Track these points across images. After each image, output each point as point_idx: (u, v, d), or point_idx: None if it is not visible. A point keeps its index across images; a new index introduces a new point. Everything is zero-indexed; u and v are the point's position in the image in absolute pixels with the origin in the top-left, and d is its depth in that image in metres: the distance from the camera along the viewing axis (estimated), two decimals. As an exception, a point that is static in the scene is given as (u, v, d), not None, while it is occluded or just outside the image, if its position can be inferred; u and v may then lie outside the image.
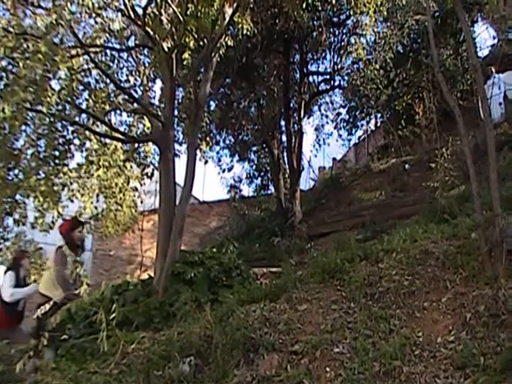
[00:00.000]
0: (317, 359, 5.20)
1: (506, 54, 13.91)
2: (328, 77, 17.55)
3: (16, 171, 9.98)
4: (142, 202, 14.00)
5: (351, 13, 14.89)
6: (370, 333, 5.43)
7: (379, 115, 20.81)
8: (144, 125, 12.83)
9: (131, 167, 12.92)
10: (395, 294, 6.05)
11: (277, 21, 14.66)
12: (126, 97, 12.01)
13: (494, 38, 18.96)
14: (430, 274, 6.23)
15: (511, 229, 5.85)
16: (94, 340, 6.06)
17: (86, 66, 11.55)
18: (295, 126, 16.90)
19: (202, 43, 10.95)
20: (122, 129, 12.46)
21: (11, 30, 8.98)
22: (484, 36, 42.36)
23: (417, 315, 5.66)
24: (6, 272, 8.52)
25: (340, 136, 20.87)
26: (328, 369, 5.04)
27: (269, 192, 20.27)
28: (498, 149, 8.25)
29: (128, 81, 12.61)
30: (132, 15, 10.71)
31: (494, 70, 14.01)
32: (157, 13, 10.63)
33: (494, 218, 5.87)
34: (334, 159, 23.86)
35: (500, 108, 13.81)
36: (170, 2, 10.14)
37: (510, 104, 13.95)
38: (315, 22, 15.42)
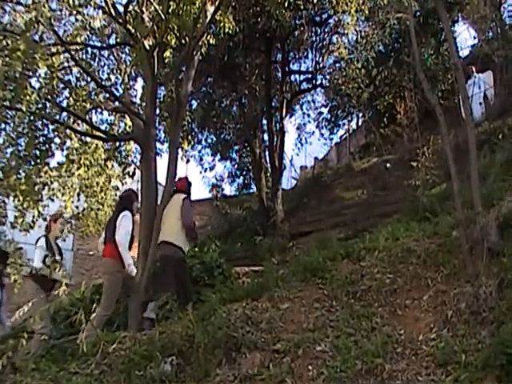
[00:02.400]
0: (299, 358, 5.19)
1: (485, 53, 14.03)
2: (310, 76, 17.57)
3: (-5, 170, 9.90)
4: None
5: (333, 12, 14.95)
6: (352, 331, 5.44)
7: (361, 114, 20.92)
8: (125, 123, 12.76)
9: (112, 166, 12.84)
10: (377, 292, 6.07)
11: (259, 19, 14.65)
12: (107, 95, 11.94)
13: (474, 37, 19.16)
14: (411, 272, 6.26)
15: (492, 227, 5.89)
16: (74, 340, 6.01)
17: (66, 64, 11.46)
18: (277, 125, 16.91)
19: (183, 41, 10.89)
20: (103, 127, 12.38)
21: (-10, 27, 8.88)
22: (465, 36, 42.72)
23: (398, 313, 5.68)
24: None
25: (322, 135, 20.96)
26: (310, 367, 5.04)
27: (251, 191, 20.25)
28: (479, 148, 8.29)
29: (109, 79, 12.54)
30: (113, 13, 10.64)
31: (474, 69, 14.11)
32: (138, 10, 10.57)
33: (474, 216, 5.92)
34: (315, 158, 23.91)
35: (480, 107, 13.91)
36: (152, 0, 10.08)
37: (490, 103, 14.08)
38: (297, 21, 15.44)
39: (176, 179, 8.93)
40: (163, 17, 9.91)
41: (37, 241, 9.00)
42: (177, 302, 7.78)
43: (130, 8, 10.60)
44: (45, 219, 10.89)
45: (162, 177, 10.44)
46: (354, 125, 23.21)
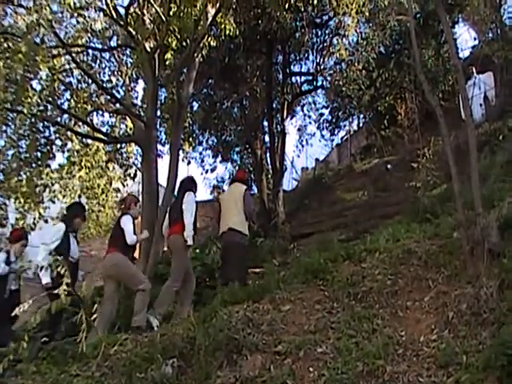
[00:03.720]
0: (300, 359, 5.19)
1: (486, 55, 14.04)
2: (311, 77, 17.58)
3: (-4, 172, 9.93)
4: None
5: (334, 14, 14.95)
6: (353, 332, 5.43)
7: (362, 116, 20.90)
8: (126, 125, 12.81)
9: (113, 168, 12.89)
10: (378, 293, 6.07)
11: (260, 21, 14.65)
12: (108, 97, 11.99)
13: (474, 39, 19.15)
14: (412, 274, 6.26)
15: (492, 228, 5.89)
16: (75, 342, 6.01)
17: (67, 66, 11.52)
18: (278, 126, 16.92)
19: (184, 43, 10.94)
20: (104, 129, 12.45)
21: (-9, 29, 8.91)
22: (465, 37, 42.75)
23: (400, 314, 5.68)
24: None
25: (323, 136, 20.95)
26: (311, 369, 5.03)
27: (252, 193, 20.23)
28: (479, 149, 8.30)
29: (110, 81, 12.60)
30: (114, 15, 10.68)
31: (474, 70, 14.11)
32: (139, 13, 10.61)
33: (475, 218, 5.92)
34: (316, 160, 23.90)
35: (481, 109, 13.91)
36: (153, 2, 10.12)
37: (490, 104, 14.08)
38: (298, 23, 15.43)
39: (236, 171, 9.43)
40: (164, 19, 9.95)
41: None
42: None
43: (131, 10, 10.65)
44: (46, 221, 10.93)
45: (163, 178, 10.48)
46: (354, 126, 23.22)
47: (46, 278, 7.46)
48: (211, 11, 10.47)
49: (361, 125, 22.61)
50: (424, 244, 6.84)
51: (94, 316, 5.96)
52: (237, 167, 20.00)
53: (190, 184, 8.68)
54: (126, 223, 7.85)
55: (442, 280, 5.97)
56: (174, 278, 7.89)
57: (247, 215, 8.65)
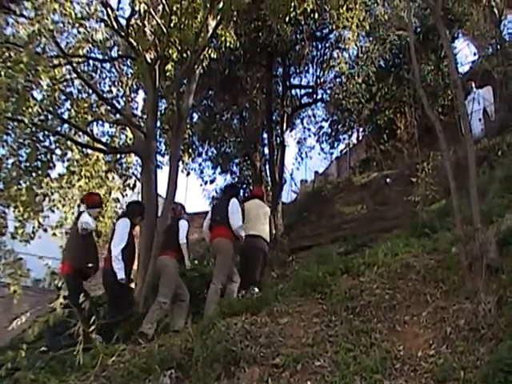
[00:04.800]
0: (298, 372, 5.18)
1: (485, 70, 14.10)
2: (310, 90, 17.66)
3: (-4, 180, 9.94)
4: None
5: (334, 27, 15.03)
6: (351, 346, 5.43)
7: (361, 129, 21.00)
8: (126, 136, 12.83)
9: (113, 178, 12.90)
10: (376, 307, 6.06)
11: (260, 34, 14.73)
12: (109, 107, 12.02)
13: (474, 54, 19.25)
14: (410, 288, 6.25)
15: (491, 243, 5.90)
16: (73, 352, 6.00)
17: (68, 76, 11.56)
18: (277, 138, 16.96)
19: (185, 55, 10.97)
20: (104, 139, 12.47)
21: (-7, 38, 8.94)
22: (465, 52, 42.87)
23: (397, 329, 5.67)
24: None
25: (322, 149, 21.05)
26: (309, 382, 5.02)
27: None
28: (478, 164, 8.33)
29: (111, 91, 12.63)
30: (115, 26, 10.73)
31: (473, 85, 14.17)
32: (140, 24, 10.66)
33: (474, 233, 5.92)
34: (316, 172, 23.93)
35: (480, 123, 13.96)
36: (154, 14, 10.16)
37: (490, 119, 14.12)
38: (298, 36, 15.52)
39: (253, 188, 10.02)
40: (165, 30, 10.00)
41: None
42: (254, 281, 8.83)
43: (133, 21, 10.70)
44: (45, 230, 10.93)
45: (162, 189, 10.49)
46: (354, 139, 23.27)
47: (121, 273, 7.65)
48: (212, 23, 10.52)
49: (360, 138, 22.70)
50: (422, 259, 6.84)
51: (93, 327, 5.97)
52: (236, 179, 20.03)
53: (234, 190, 9.58)
54: (184, 227, 8.43)
55: (440, 295, 5.96)
56: (220, 278, 8.35)
57: (270, 236, 9.43)
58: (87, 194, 9.56)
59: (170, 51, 11.05)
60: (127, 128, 12.34)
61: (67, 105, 11.78)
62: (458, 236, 6.28)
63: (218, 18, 10.38)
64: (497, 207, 7.53)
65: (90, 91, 11.73)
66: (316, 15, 13.47)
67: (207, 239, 9.00)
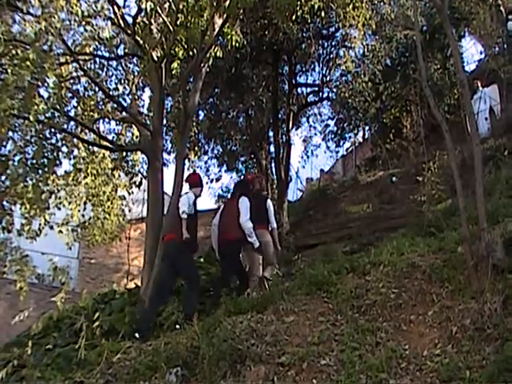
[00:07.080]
0: (303, 371, 5.19)
1: (492, 68, 14.05)
2: (316, 89, 17.61)
3: (3, 178, 9.95)
4: (129, 211, 13.95)
5: (340, 25, 14.96)
6: (356, 345, 5.44)
7: (367, 128, 20.91)
8: (132, 133, 12.84)
9: (119, 176, 12.91)
10: (382, 306, 6.07)
11: (266, 32, 14.70)
12: (115, 105, 12.02)
13: (481, 52, 19.19)
14: (416, 288, 6.26)
15: (497, 243, 5.89)
16: (79, 349, 6.03)
17: (74, 74, 11.56)
18: (283, 137, 16.92)
19: (191, 53, 10.97)
20: (110, 137, 12.48)
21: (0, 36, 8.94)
22: (471, 51, 42.78)
23: (403, 328, 5.68)
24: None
25: (328, 148, 20.92)
26: (315, 381, 5.04)
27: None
28: (484, 164, 8.31)
29: (117, 89, 12.63)
30: (122, 24, 10.73)
31: (479, 84, 14.13)
32: (147, 22, 10.65)
33: (479, 232, 5.92)
34: (321, 171, 23.90)
35: (486, 123, 13.91)
36: (160, 12, 10.15)
37: (496, 119, 14.09)
38: (304, 34, 15.48)
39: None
40: (171, 29, 9.99)
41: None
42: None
43: (139, 19, 10.69)
44: (51, 227, 10.96)
45: (168, 187, 10.50)
46: (360, 138, 23.17)
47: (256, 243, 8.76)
48: (218, 22, 10.51)
49: (366, 137, 22.61)
50: (428, 258, 6.84)
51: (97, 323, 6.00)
52: (242, 177, 20.02)
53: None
54: (272, 210, 9.52)
55: (446, 294, 5.97)
56: (272, 261, 9.19)
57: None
58: (189, 174, 9.98)
59: (177, 49, 11.05)
60: (133, 126, 12.34)
61: (74, 102, 11.79)
62: (463, 236, 6.28)
63: (225, 16, 10.36)
64: (503, 207, 7.53)
65: (97, 89, 11.73)
66: (322, 13, 13.43)
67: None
